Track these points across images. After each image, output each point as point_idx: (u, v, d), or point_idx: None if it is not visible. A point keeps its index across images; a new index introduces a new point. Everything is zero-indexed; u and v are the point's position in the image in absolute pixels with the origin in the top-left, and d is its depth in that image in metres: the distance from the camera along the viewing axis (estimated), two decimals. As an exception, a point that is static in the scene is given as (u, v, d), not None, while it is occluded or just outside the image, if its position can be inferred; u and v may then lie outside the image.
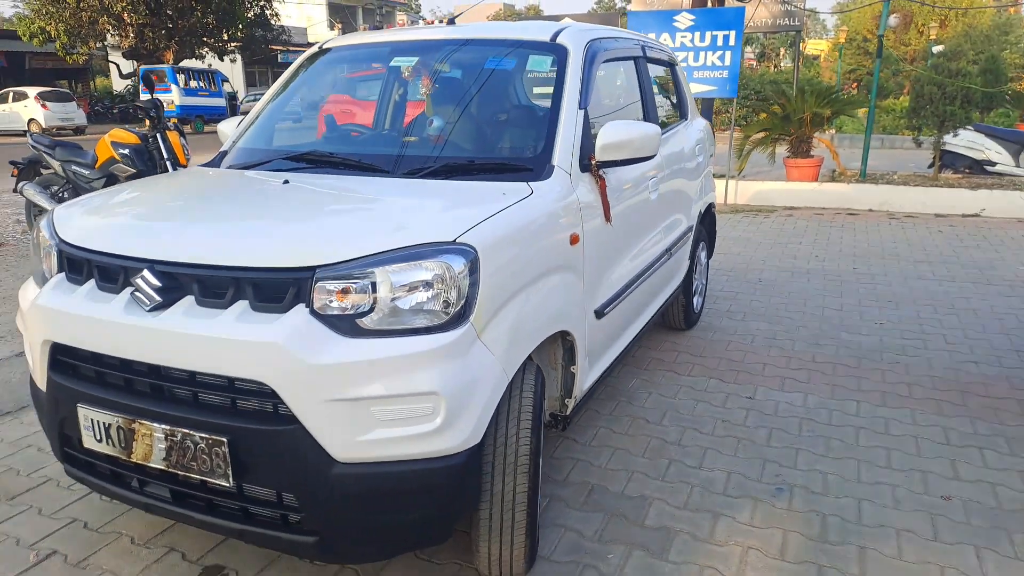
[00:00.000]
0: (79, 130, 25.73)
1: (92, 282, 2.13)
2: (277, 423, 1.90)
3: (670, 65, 4.23)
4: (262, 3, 30.92)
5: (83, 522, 2.65)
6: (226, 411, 1.95)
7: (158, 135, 6.33)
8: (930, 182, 9.46)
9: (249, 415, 1.93)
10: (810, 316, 5.16)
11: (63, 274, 2.21)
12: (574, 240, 2.52)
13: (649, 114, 3.47)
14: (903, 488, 2.94)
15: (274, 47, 34.78)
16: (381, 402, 1.87)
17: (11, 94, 27.11)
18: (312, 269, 1.90)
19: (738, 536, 2.62)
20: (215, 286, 1.97)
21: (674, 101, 4.29)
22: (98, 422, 2.08)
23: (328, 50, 3.36)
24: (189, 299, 1.98)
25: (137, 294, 2.01)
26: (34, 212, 7.09)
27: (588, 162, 2.68)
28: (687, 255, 4.28)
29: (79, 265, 2.18)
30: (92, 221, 2.32)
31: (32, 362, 2.33)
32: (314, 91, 3.32)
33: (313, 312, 1.89)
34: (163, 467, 2.03)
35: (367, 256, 1.91)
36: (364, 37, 3.36)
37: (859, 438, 3.37)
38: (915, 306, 5.40)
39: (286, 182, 2.49)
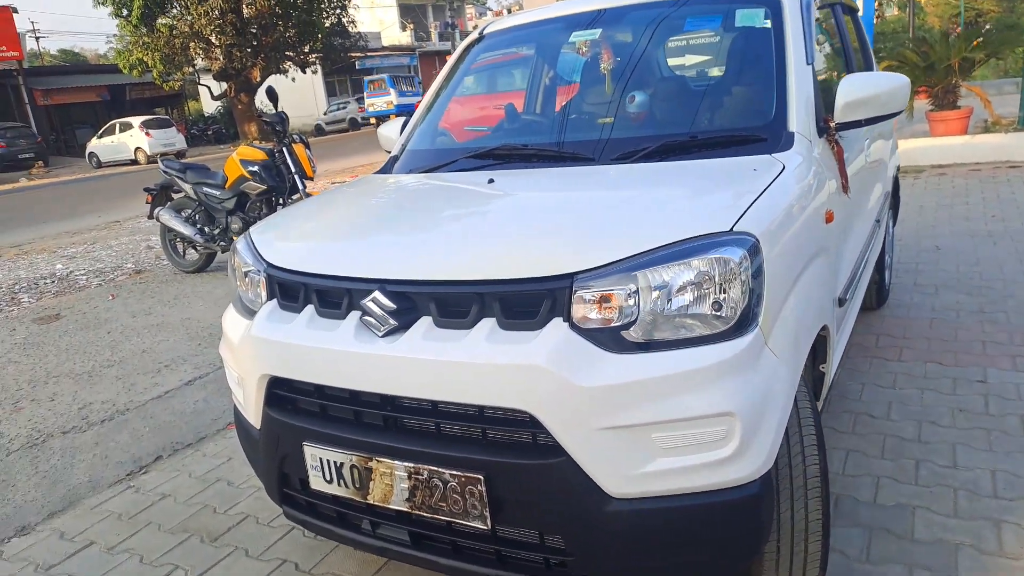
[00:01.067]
0: (180, 154, 26.90)
1: (311, 308, 1.93)
2: (541, 456, 1.64)
3: (852, 12, 3.77)
4: (338, 11, 31.49)
5: (293, 563, 2.50)
6: (480, 444, 1.71)
7: (284, 149, 6.31)
8: (1099, 123, 8.46)
9: (506, 448, 1.68)
10: (1012, 283, 4.57)
11: (275, 301, 2.03)
12: (829, 218, 2.16)
13: (851, 67, 3.04)
14: None
15: (352, 54, 35.49)
16: (664, 427, 1.59)
17: (117, 125, 28.70)
18: (570, 277, 1.63)
19: (1036, 549, 2.21)
20: (456, 304, 1.73)
21: (858, 50, 3.83)
22: (329, 462, 1.89)
23: (486, 36, 3.10)
24: (426, 321, 1.75)
25: (367, 319, 1.80)
26: (168, 237, 7.25)
27: (824, 124, 2.31)
28: (884, 225, 3.82)
29: (294, 291, 1.99)
30: (301, 242, 2.14)
31: (242, 397, 2.17)
32: (479, 83, 3.07)
33: (573, 326, 1.62)
34: (405, 509, 1.81)
35: (633, 257, 1.63)
36: (526, 16, 3.07)
37: None
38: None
39: (491, 181, 2.24)
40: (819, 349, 2.21)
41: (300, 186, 6.32)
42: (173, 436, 3.64)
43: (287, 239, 2.19)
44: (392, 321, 1.76)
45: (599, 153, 2.32)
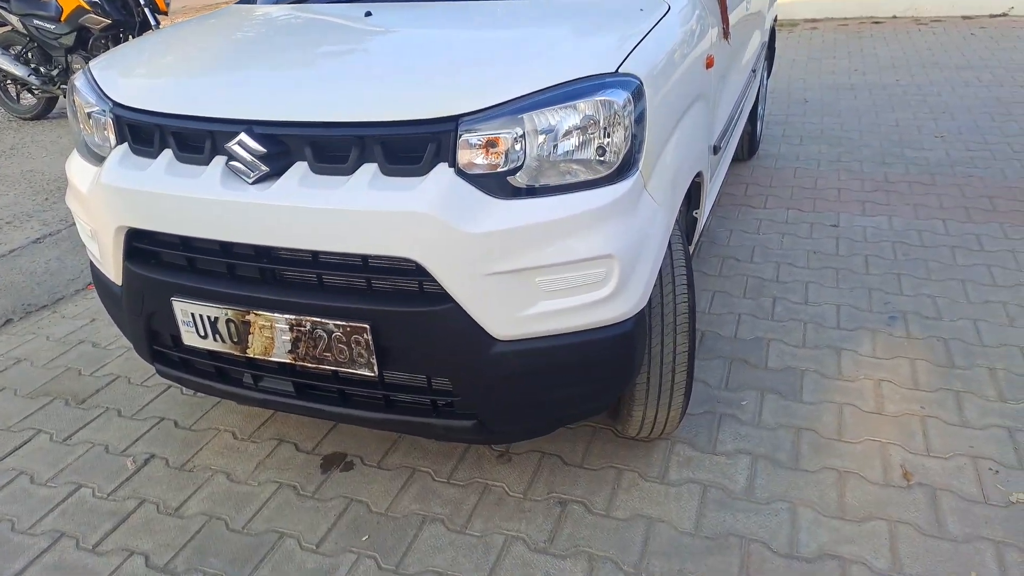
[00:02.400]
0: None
1: (168, 153, 1.76)
2: (427, 303, 1.63)
3: None
4: None
5: (172, 420, 2.44)
6: (364, 294, 1.67)
7: (131, -22, 5.57)
8: (956, -21, 8.82)
9: (392, 296, 1.66)
10: (868, 134, 4.86)
11: (125, 145, 1.83)
12: (709, 63, 2.15)
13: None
14: (1014, 305, 2.82)
15: None
16: (547, 271, 1.60)
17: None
18: (455, 119, 1.55)
19: (866, 370, 2.49)
20: (334, 148, 1.62)
21: None
22: (202, 316, 1.80)
23: None
24: (301, 166, 1.64)
25: (234, 164, 1.66)
26: (-3, 79, 6.38)
27: None
28: (759, 76, 3.89)
29: (147, 133, 1.80)
30: (153, 78, 1.91)
31: (98, 252, 2.00)
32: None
33: (459, 172, 1.56)
34: (288, 360, 1.77)
35: (519, 99, 1.57)
36: None
37: (955, 257, 3.22)
38: (970, 115, 5.11)
39: (368, 15, 2.05)
40: (693, 196, 2.27)
41: (152, 21, 5.65)
42: (24, 298, 3.37)
43: (136, 74, 1.95)
44: (263, 167, 1.63)
45: None
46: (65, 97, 6.21)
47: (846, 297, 2.96)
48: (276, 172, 1.65)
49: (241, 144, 1.64)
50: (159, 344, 2.01)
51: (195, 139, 1.73)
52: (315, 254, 1.67)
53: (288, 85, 1.73)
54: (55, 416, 2.51)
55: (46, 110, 6.42)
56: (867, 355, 2.58)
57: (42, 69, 6.09)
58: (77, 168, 2.00)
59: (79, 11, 5.67)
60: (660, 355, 1.89)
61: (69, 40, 5.81)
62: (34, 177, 5.02)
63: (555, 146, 1.58)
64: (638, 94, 1.63)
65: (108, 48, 5.86)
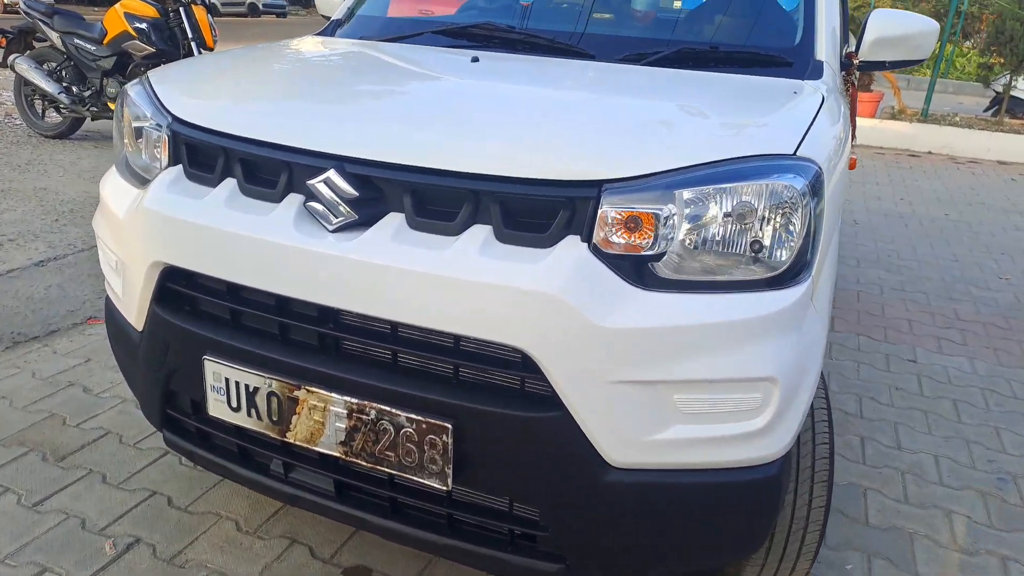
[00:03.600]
0: None
1: (232, 183, 1.45)
2: (531, 407, 1.29)
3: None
4: None
5: (166, 497, 2.04)
6: (449, 384, 1.33)
7: (182, 9, 5.41)
8: (994, 126, 8.86)
9: (485, 393, 1.32)
10: (927, 265, 4.62)
11: (180, 168, 1.53)
12: (852, 165, 1.89)
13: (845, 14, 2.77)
14: None
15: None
16: (692, 388, 1.27)
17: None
18: (597, 185, 1.26)
19: (987, 543, 2.13)
20: (441, 201, 1.31)
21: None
22: (239, 384, 1.45)
23: None
24: (396, 218, 1.33)
25: (313, 205, 1.35)
26: (25, 92, 6.16)
27: (847, 59, 2.02)
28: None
29: (209, 156, 1.49)
30: (225, 96, 1.62)
31: (119, 288, 1.67)
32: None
33: (594, 249, 1.25)
34: (337, 454, 1.41)
35: (676, 171, 1.28)
36: None
37: (1055, 415, 2.89)
38: None
39: (475, 60, 1.79)
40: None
41: (197, 55, 5.47)
42: (14, 325, 2.99)
43: (203, 89, 1.67)
44: (350, 212, 1.32)
45: (601, 50, 1.91)
46: (92, 120, 6.05)
47: (942, 448, 2.61)
48: (364, 221, 1.33)
49: (328, 183, 1.33)
50: (175, 408, 1.65)
51: (268, 170, 1.43)
52: (395, 326, 1.34)
53: (392, 122, 1.43)
54: (28, 472, 2.10)
55: (71, 130, 6.19)
56: (983, 523, 2.21)
57: (75, 88, 5.89)
58: (114, 187, 1.68)
59: (124, 36, 5.51)
60: (793, 508, 1.54)
61: (108, 64, 5.62)
62: (47, 196, 4.72)
63: (712, 232, 1.27)
64: (817, 183, 1.34)
65: (147, 77, 5.68)
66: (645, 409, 1.27)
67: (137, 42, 5.47)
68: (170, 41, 5.50)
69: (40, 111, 6.24)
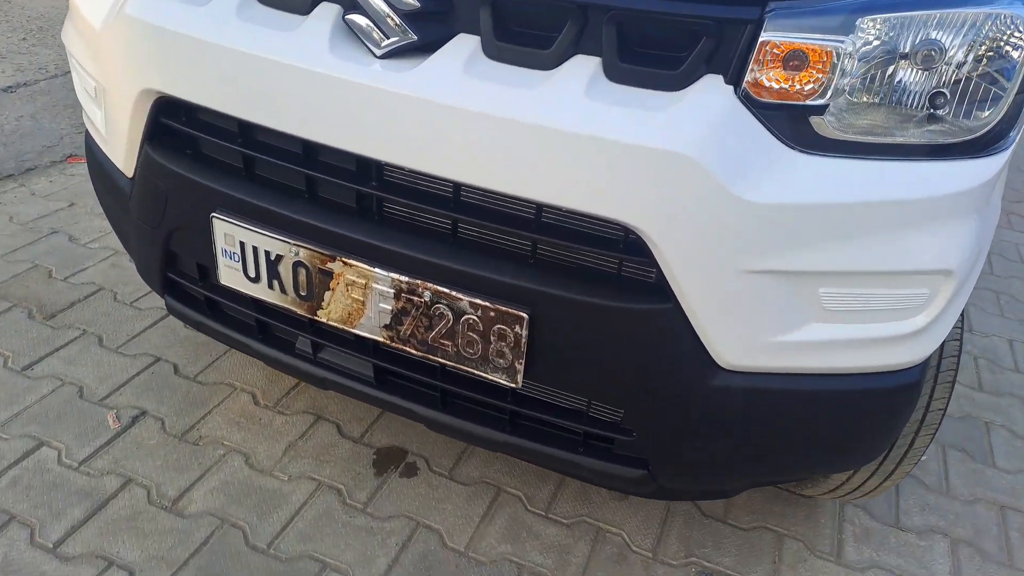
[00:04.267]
0: None
1: (243, -14, 1.10)
2: (630, 297, 1.03)
3: None
4: None
5: (171, 364, 1.82)
6: (527, 266, 1.06)
7: None
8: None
9: (574, 278, 1.05)
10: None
11: (170, -37, 1.16)
12: None
13: None
14: None
15: None
16: (844, 281, 1.00)
17: None
18: (760, 3, 0.91)
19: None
20: (530, 18, 0.98)
21: None
22: (257, 250, 1.18)
23: None
24: (469, 42, 1.00)
25: (354, 19, 1.01)
26: None
27: None
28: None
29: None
30: None
31: (101, 123, 1.35)
32: None
33: (745, 96, 0.94)
34: (380, 338, 1.16)
35: None
36: None
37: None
38: None
39: None
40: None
41: None
42: (-14, 159, 2.66)
43: None
44: (406, 29, 0.99)
45: None
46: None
47: (1017, 332, 2.40)
48: (425, 45, 1.00)
49: (376, -9, 0.98)
50: (177, 273, 1.39)
51: (292, -33, 1.07)
52: (459, 188, 1.05)
53: None
54: (14, 331, 1.86)
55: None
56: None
57: None
58: (85, -10, 1.31)
59: None
60: (923, 411, 1.32)
61: None
62: (11, 10, 4.19)
63: (900, 79, 0.95)
64: None
65: None
66: (779, 305, 1.01)
67: None
68: None
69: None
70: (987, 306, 2.50)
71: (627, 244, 1.00)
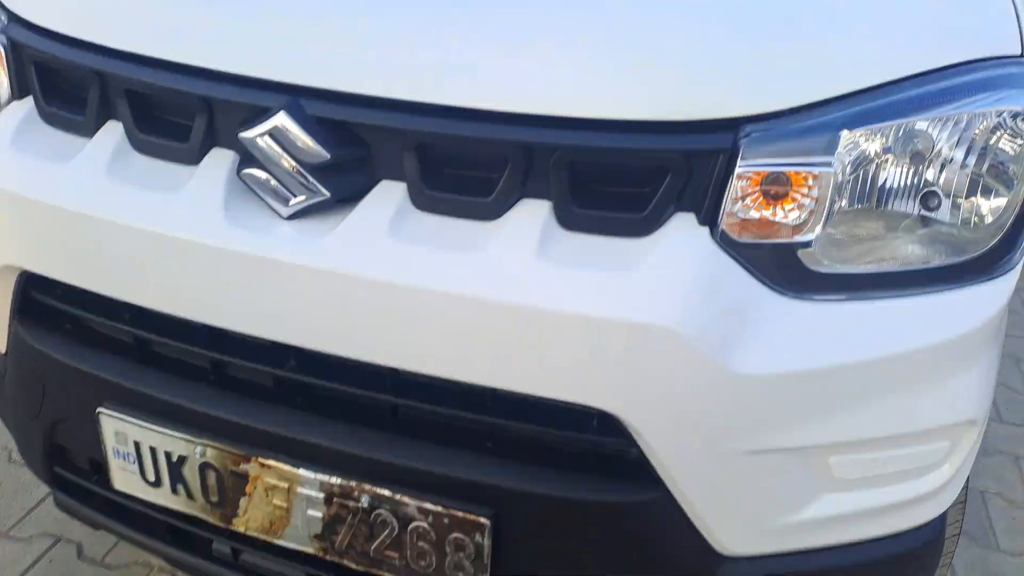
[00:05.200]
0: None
1: (117, 130, 0.91)
2: (609, 489, 0.84)
3: None
4: None
5: (74, 544, 1.54)
6: (484, 458, 0.86)
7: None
8: None
9: (539, 468, 0.85)
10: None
11: (30, 102, 0.97)
12: None
13: None
14: None
15: None
16: (857, 448, 0.84)
17: None
18: (731, 127, 0.76)
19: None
20: (470, 161, 0.81)
21: None
22: (154, 450, 0.96)
23: None
24: (392, 191, 0.81)
25: (253, 173, 0.82)
26: None
27: None
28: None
29: (77, 84, 0.93)
30: None
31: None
32: None
33: (722, 238, 0.77)
34: (312, 550, 0.94)
35: (852, 96, 0.79)
36: None
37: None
38: None
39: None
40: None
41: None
42: None
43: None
44: (316, 185, 0.80)
45: None
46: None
47: None
48: (340, 195, 0.81)
49: (276, 135, 0.79)
50: (66, 467, 1.15)
51: (175, 109, 0.88)
52: (399, 373, 0.85)
53: (379, 27, 0.84)
54: None
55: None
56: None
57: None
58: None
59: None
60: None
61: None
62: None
63: (894, 195, 0.81)
64: None
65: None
66: (785, 483, 0.84)
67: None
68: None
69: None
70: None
71: (603, 426, 0.81)
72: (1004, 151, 0.81)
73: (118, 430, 0.97)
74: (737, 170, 0.77)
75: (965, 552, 1.61)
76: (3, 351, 1.10)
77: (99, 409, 0.96)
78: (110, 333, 0.99)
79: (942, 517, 0.96)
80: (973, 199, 0.82)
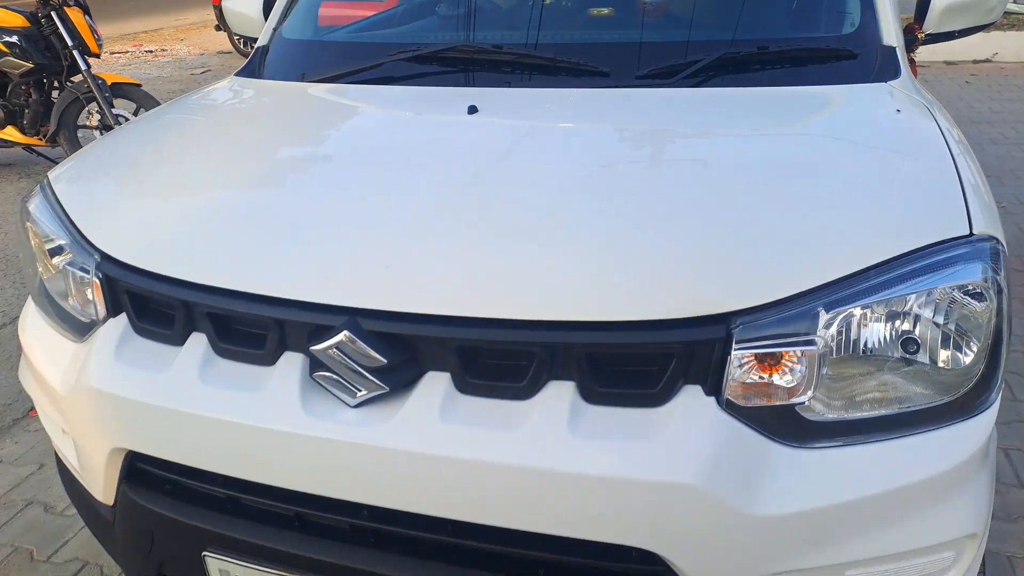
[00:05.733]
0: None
1: (202, 341, 1.13)
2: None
3: None
4: None
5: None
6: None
7: (53, 13, 4.70)
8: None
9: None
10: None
11: (124, 320, 1.19)
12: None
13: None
14: None
15: None
16: (870, 563, 1.04)
17: None
18: (724, 320, 0.98)
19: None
20: (503, 356, 1.02)
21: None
22: (263, 587, 1.16)
23: None
24: (438, 381, 1.03)
25: (323, 375, 1.03)
26: None
27: (910, 35, 1.75)
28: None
29: (163, 307, 1.16)
30: (166, 216, 1.24)
31: (72, 458, 1.35)
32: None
33: (729, 406, 0.99)
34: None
35: (827, 287, 0.99)
36: None
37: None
38: (1020, 180, 4.72)
39: (473, 110, 1.43)
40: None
41: (82, 64, 4.78)
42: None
43: (130, 208, 1.29)
44: (376, 382, 1.02)
45: (616, 64, 1.56)
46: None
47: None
48: (396, 386, 1.03)
49: (341, 347, 1.01)
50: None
51: (251, 323, 1.10)
52: (461, 527, 1.05)
53: (416, 256, 1.07)
54: (-3, 646, 1.78)
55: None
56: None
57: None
58: (38, 335, 1.34)
59: (-6, 53, 4.79)
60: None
61: (-18, 89, 4.94)
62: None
63: (876, 355, 1.01)
64: (998, 265, 1.06)
65: (31, 95, 4.97)
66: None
67: (10, 58, 4.76)
68: (48, 52, 4.80)
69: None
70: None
71: (642, 558, 1.00)
72: (963, 314, 1.01)
73: (223, 569, 1.18)
74: (733, 352, 0.97)
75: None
76: (111, 504, 1.31)
77: (204, 553, 1.17)
78: (210, 491, 1.20)
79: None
80: (946, 351, 1.01)
